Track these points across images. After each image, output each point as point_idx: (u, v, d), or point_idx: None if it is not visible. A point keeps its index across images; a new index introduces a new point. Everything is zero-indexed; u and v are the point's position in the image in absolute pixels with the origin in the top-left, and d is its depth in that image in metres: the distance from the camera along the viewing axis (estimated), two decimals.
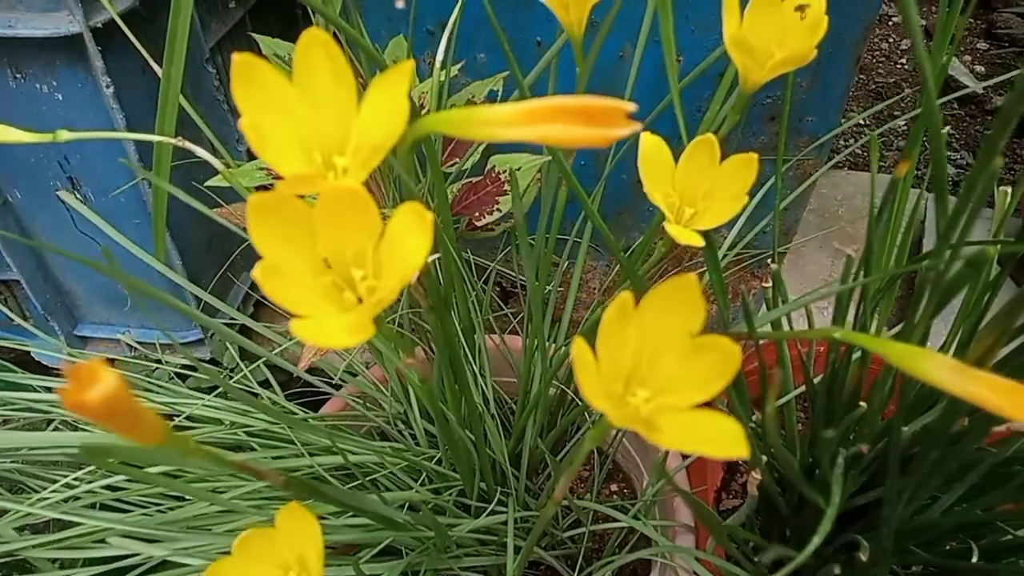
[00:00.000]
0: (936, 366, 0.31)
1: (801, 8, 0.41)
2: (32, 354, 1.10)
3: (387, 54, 0.77)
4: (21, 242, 0.94)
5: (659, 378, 0.28)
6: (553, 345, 0.88)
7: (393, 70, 0.31)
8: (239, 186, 0.62)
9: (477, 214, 0.70)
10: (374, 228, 0.30)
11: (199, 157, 0.68)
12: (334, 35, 0.32)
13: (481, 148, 0.73)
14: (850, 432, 0.63)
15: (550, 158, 0.72)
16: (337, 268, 0.30)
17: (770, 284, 0.68)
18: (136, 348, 1.04)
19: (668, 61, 0.45)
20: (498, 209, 0.70)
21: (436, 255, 0.50)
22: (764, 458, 0.53)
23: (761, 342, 0.55)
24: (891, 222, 0.77)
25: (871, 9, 0.75)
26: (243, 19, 1.00)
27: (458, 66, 0.78)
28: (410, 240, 0.29)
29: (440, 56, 0.68)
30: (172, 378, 1.01)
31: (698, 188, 0.43)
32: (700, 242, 0.41)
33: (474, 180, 0.73)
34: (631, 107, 0.27)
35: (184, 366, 1.07)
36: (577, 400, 0.78)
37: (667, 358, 0.28)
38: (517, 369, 0.88)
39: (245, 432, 0.72)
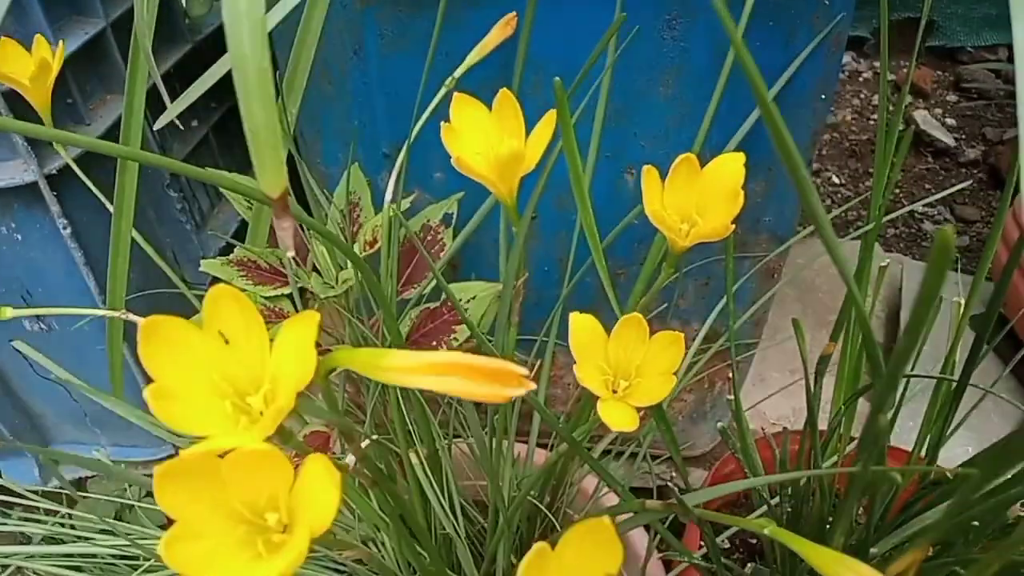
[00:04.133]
0: None
1: None
2: (2, 475, 1.10)
3: (342, 184, 0.78)
4: None
5: None
6: (524, 451, 0.88)
7: (300, 317, 0.31)
8: None
9: (435, 343, 0.70)
10: (287, 479, 0.30)
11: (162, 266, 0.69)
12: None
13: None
14: None
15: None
16: (249, 513, 0.30)
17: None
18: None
19: (591, 241, 0.46)
20: (455, 338, 0.70)
21: (366, 443, 0.50)
22: None
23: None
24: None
25: (818, 119, 0.76)
26: (206, 136, 1.01)
27: (411, 198, 0.79)
28: (320, 497, 0.29)
29: (390, 193, 0.69)
30: (143, 497, 1.01)
31: (631, 362, 0.43)
32: (635, 424, 0.41)
33: (432, 306, 0.74)
34: (524, 371, 0.28)
35: None
36: (551, 517, 0.78)
37: None
38: (487, 475, 0.87)
39: None
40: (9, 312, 0.55)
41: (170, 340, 0.30)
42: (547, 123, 0.44)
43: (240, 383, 0.32)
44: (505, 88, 0.45)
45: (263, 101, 0.27)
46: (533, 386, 0.27)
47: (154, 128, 0.51)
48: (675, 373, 0.42)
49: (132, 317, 0.55)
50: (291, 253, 0.31)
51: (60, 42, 0.61)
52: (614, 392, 0.44)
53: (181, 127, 0.92)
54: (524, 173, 0.46)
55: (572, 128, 0.43)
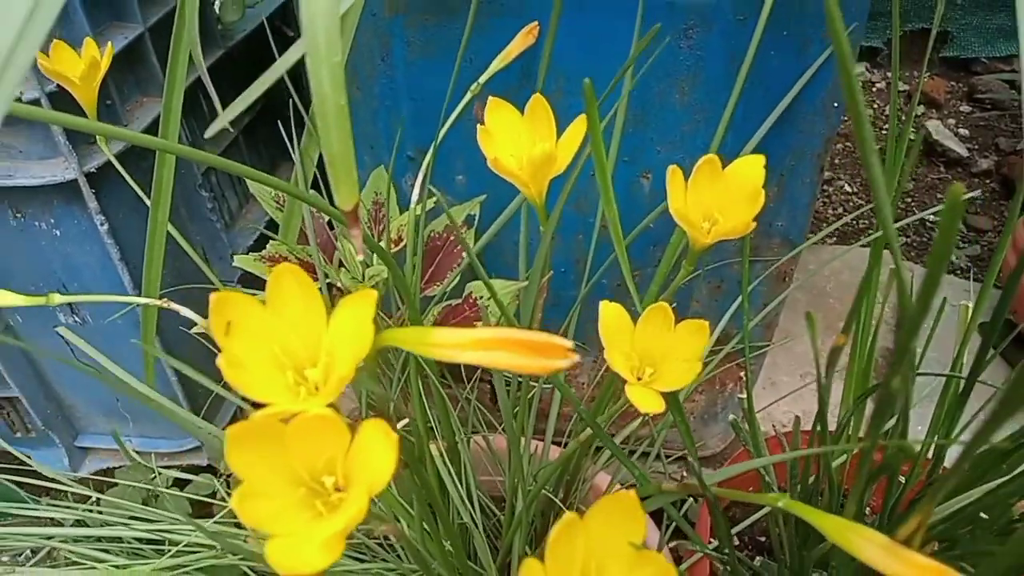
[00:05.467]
0: (867, 543, 0.34)
1: None
2: (35, 461, 1.12)
3: (368, 185, 0.80)
4: (21, 361, 0.97)
5: None
6: (540, 447, 0.90)
7: (358, 295, 0.34)
8: None
9: None
10: (344, 443, 0.32)
11: (194, 258, 0.71)
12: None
13: (459, 273, 0.76)
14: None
15: (526, 283, 0.75)
16: (309, 476, 0.33)
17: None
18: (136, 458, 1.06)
19: (614, 234, 0.48)
20: None
21: (404, 421, 0.52)
22: None
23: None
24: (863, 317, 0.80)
25: (831, 126, 0.79)
26: (236, 139, 1.04)
27: (434, 199, 0.82)
28: (377, 458, 0.31)
29: (416, 194, 0.72)
30: (170, 486, 1.04)
31: (655, 350, 0.46)
32: (660, 407, 0.43)
33: (454, 303, 0.76)
34: (568, 343, 0.30)
35: (186, 468, 1.09)
36: (565, 511, 0.80)
37: (613, 568, 0.30)
38: (504, 470, 0.90)
39: (238, 557, 0.74)
40: (57, 299, 0.57)
41: (235, 312, 0.33)
42: (578, 126, 0.47)
43: (298, 357, 0.34)
44: (538, 93, 0.47)
45: (340, 133, 0.31)
46: (577, 358, 0.29)
47: (205, 135, 0.54)
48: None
49: (174, 306, 0.58)
50: (361, 256, 0.33)
51: (108, 43, 0.64)
52: (639, 379, 0.46)
53: (230, 129, 0.95)
54: (555, 175, 0.48)
55: (599, 128, 0.46)
